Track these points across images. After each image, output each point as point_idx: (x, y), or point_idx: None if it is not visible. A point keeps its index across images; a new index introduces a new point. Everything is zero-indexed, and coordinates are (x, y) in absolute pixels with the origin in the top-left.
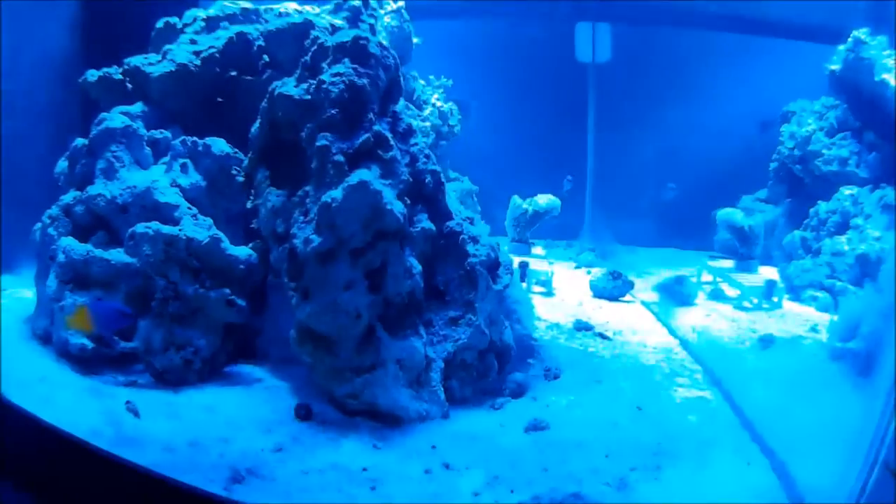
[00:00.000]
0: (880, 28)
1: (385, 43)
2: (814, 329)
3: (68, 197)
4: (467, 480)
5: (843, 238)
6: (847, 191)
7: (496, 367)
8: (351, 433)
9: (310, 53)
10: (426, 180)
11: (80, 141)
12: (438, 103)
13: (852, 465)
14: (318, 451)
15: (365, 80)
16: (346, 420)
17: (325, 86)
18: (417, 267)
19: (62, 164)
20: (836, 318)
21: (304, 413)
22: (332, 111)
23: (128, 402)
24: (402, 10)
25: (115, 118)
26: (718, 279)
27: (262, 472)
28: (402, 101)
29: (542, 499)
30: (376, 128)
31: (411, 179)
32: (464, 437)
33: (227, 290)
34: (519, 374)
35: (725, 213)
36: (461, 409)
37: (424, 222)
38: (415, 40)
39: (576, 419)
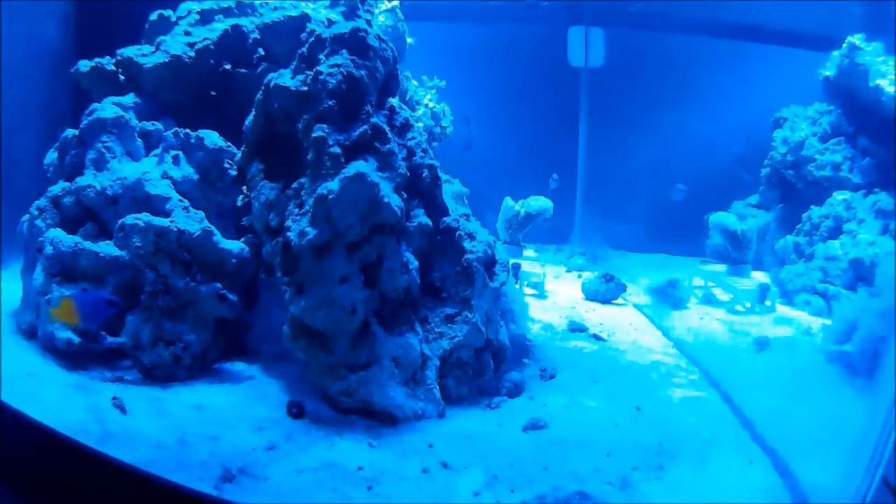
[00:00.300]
0: (874, 36)
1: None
2: (808, 332)
3: (57, 188)
4: (466, 480)
5: (836, 242)
6: (840, 196)
7: (492, 366)
8: (345, 431)
9: (307, 45)
10: (423, 175)
11: (70, 131)
12: (431, 104)
13: (856, 466)
14: (312, 449)
15: (363, 72)
16: (341, 418)
17: (322, 76)
18: (414, 262)
19: (52, 156)
20: (829, 321)
21: (296, 411)
22: (330, 102)
23: (114, 399)
24: (397, 10)
25: (107, 108)
26: (710, 283)
27: (253, 470)
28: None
29: (547, 498)
30: (374, 120)
31: (408, 173)
32: (461, 436)
33: (219, 285)
34: (515, 374)
35: (718, 217)
36: (457, 408)
37: (421, 217)
38: (408, 41)
39: (574, 419)
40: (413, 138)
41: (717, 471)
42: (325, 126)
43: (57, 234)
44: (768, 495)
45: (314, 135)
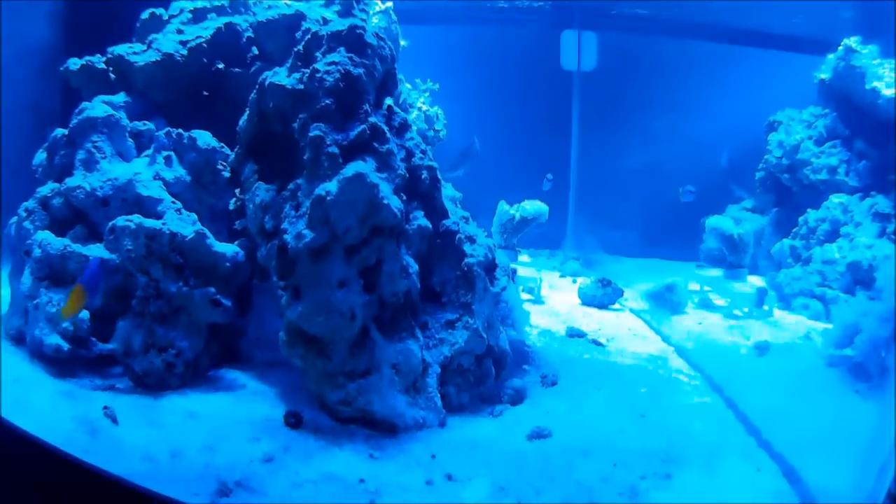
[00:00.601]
0: (864, 39)
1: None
2: (807, 336)
3: (46, 189)
4: (472, 491)
5: (834, 246)
6: (836, 199)
7: (493, 372)
8: (345, 442)
9: (303, 42)
10: (422, 176)
11: (59, 131)
12: (424, 107)
13: (867, 471)
14: (312, 461)
15: (361, 70)
16: (340, 428)
17: (319, 74)
18: (414, 266)
19: (40, 156)
20: (829, 325)
21: (294, 421)
22: (327, 101)
23: (105, 408)
24: (390, 11)
25: (97, 107)
26: (707, 287)
27: (251, 484)
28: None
29: None
30: (372, 119)
31: (407, 175)
32: (464, 445)
33: (212, 289)
34: (517, 381)
35: (715, 222)
36: (458, 417)
37: (421, 220)
38: (402, 43)
39: (578, 426)
40: (412, 139)
41: (726, 478)
42: (322, 125)
43: (45, 236)
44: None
45: (311, 134)
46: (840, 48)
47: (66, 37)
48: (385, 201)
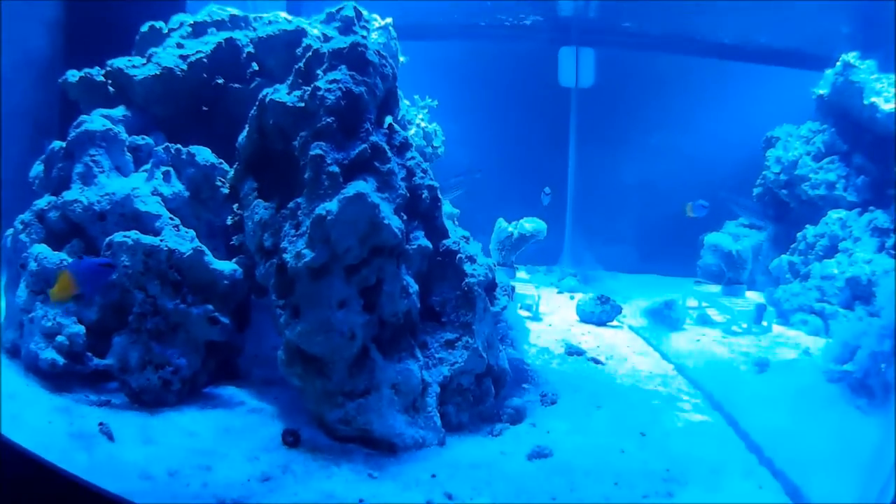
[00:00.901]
0: (864, 54)
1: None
2: (806, 352)
3: (42, 202)
4: None
5: (833, 261)
6: (835, 214)
7: (493, 392)
8: (344, 461)
9: (304, 59)
10: (423, 196)
11: (57, 144)
12: (423, 124)
13: (870, 488)
14: (310, 480)
15: (362, 89)
16: (338, 447)
17: (320, 93)
18: (414, 286)
19: (37, 168)
20: (829, 340)
21: (292, 440)
22: (328, 119)
23: (101, 424)
24: (390, 27)
25: (96, 121)
26: (704, 304)
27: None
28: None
29: None
30: (373, 139)
31: (408, 194)
32: (464, 465)
33: (210, 307)
34: (516, 400)
35: (714, 238)
36: (458, 436)
37: (421, 239)
38: (401, 59)
39: (579, 446)
40: (412, 158)
41: (728, 496)
42: (322, 144)
43: (41, 249)
44: None
45: (312, 153)
46: (838, 63)
47: (64, 46)
48: (386, 221)
